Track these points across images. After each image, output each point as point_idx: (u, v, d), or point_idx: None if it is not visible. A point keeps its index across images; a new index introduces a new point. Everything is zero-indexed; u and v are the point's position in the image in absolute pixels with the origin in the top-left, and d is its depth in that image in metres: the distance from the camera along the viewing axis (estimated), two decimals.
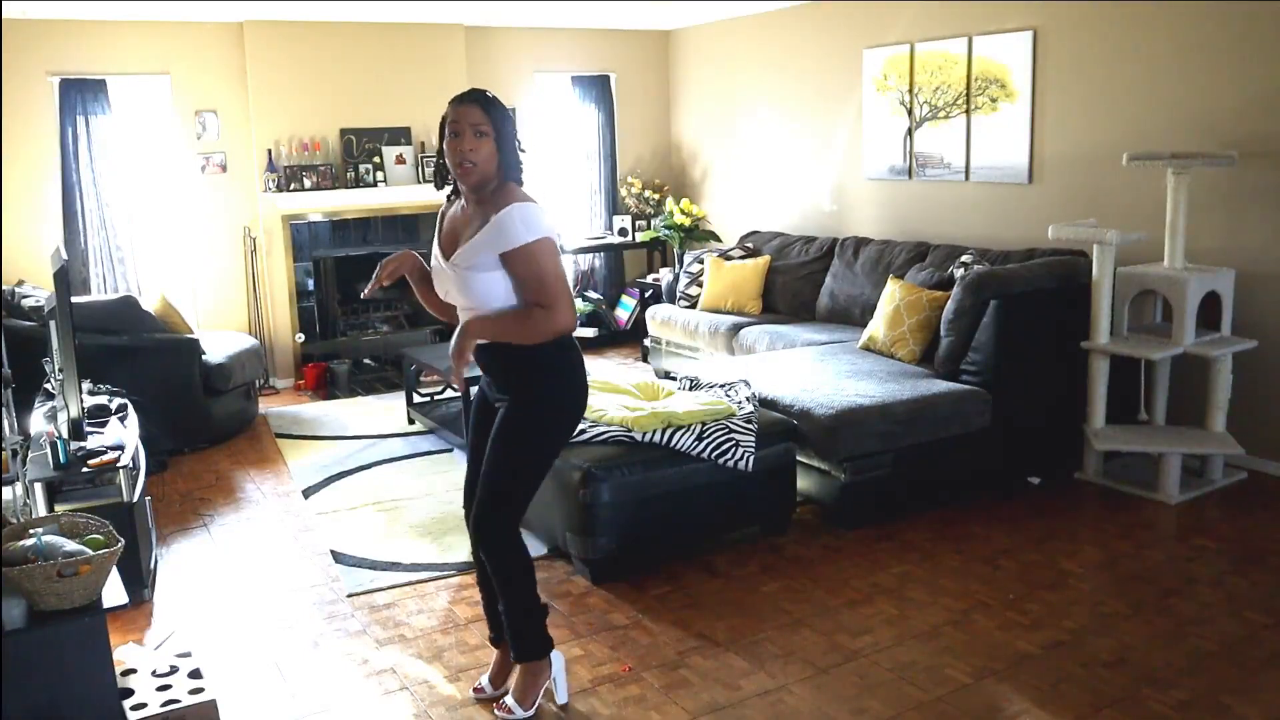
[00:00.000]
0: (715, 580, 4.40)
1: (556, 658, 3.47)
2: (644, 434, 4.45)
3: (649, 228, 9.41)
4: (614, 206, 9.68)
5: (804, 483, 5.03)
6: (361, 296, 3.49)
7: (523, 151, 3.14)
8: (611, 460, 4.35)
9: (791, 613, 4.05)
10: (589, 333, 9.37)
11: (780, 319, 7.33)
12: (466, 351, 3.14)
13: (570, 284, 3.13)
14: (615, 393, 5.00)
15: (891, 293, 5.98)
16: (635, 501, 4.35)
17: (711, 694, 3.50)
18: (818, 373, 5.48)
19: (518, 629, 3.35)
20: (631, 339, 9.31)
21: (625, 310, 9.54)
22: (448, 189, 3.30)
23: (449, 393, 7.30)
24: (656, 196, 9.50)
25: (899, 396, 5.03)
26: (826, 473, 4.94)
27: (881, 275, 6.72)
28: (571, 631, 3.98)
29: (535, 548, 4.74)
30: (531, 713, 3.38)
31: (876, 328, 5.98)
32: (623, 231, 9.50)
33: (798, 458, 4.93)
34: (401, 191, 8.33)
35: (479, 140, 3.03)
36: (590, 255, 9.72)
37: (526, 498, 3.29)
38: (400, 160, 8.32)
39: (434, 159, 3.13)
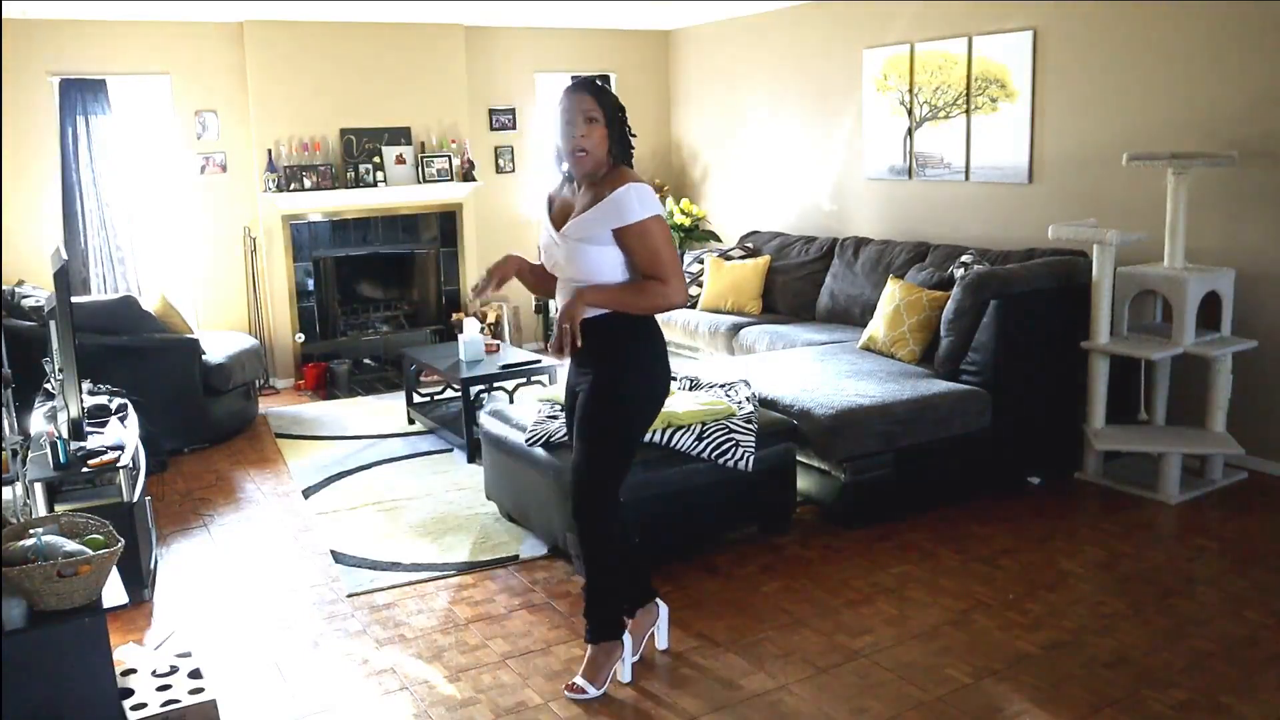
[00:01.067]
0: (715, 580, 4.40)
1: (627, 639, 3.59)
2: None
3: None
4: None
5: (804, 483, 5.03)
6: (473, 299, 3.65)
7: (633, 136, 3.29)
8: None
9: (791, 613, 4.05)
10: None
11: (780, 319, 7.34)
12: (577, 315, 3.21)
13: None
14: None
15: (891, 293, 5.98)
16: (635, 502, 4.33)
17: (711, 694, 3.49)
18: (818, 373, 5.48)
19: (597, 611, 3.50)
20: None
21: None
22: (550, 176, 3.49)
23: (449, 393, 7.30)
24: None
25: (899, 396, 5.03)
26: (826, 473, 4.94)
27: (881, 275, 6.72)
28: (571, 631, 3.98)
29: (535, 548, 4.78)
30: (603, 691, 3.49)
31: (876, 328, 5.98)
32: None
33: (798, 458, 4.93)
34: (401, 191, 8.32)
35: (590, 126, 3.17)
36: None
37: (620, 474, 3.40)
38: (400, 160, 8.32)
39: (555, 147, 3.31)
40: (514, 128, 9.15)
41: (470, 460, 6.08)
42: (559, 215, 3.36)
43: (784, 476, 4.79)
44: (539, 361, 6.53)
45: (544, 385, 6.41)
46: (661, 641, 3.77)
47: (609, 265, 3.23)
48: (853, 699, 3.43)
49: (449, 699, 3.53)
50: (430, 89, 8.47)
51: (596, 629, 3.52)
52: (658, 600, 3.76)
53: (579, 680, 3.52)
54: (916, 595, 4.19)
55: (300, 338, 8.24)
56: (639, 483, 4.34)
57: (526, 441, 4.64)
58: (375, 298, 8.89)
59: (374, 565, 4.68)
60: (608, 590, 3.49)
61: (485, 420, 5.13)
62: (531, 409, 4.96)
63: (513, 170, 9.19)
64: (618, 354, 3.34)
